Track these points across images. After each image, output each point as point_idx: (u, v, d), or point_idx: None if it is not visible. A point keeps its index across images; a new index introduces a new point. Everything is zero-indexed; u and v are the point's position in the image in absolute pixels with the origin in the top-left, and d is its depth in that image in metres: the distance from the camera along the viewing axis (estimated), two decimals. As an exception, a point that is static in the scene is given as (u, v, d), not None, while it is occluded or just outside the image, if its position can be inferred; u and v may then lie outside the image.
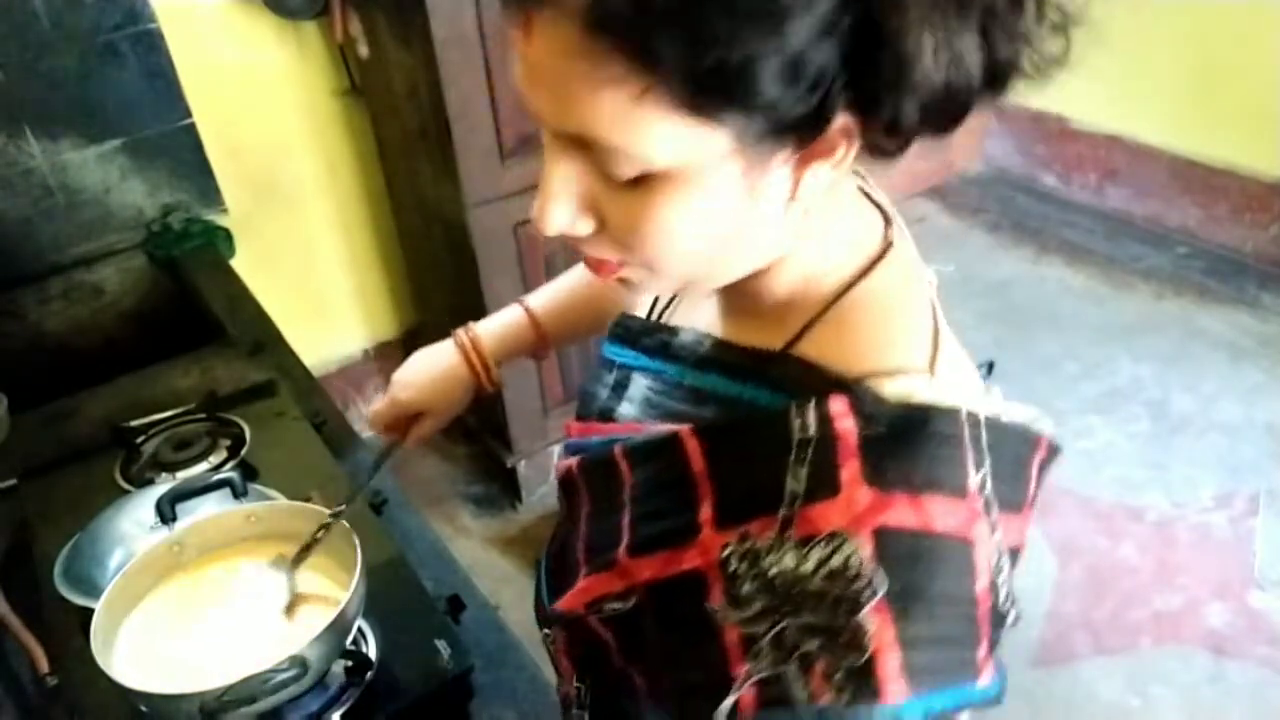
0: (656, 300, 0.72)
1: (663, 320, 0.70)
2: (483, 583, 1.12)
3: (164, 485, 1.11)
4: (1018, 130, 3.48)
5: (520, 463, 2.28)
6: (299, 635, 0.82)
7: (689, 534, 0.54)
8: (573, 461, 0.67)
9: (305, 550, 0.91)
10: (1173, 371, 2.62)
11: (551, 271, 2.07)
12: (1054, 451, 0.58)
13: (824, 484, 0.50)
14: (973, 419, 0.52)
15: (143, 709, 0.82)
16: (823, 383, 0.53)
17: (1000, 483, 0.53)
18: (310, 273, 2.30)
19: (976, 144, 3.59)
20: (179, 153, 1.94)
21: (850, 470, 0.50)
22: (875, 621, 0.48)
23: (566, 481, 0.69)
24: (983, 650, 0.52)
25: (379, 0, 1.87)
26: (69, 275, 1.83)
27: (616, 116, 0.45)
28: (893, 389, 0.51)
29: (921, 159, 3.81)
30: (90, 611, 0.85)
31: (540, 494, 2.37)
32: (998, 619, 0.53)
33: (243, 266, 1.88)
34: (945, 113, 0.49)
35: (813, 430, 0.51)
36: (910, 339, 0.56)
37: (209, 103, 1.96)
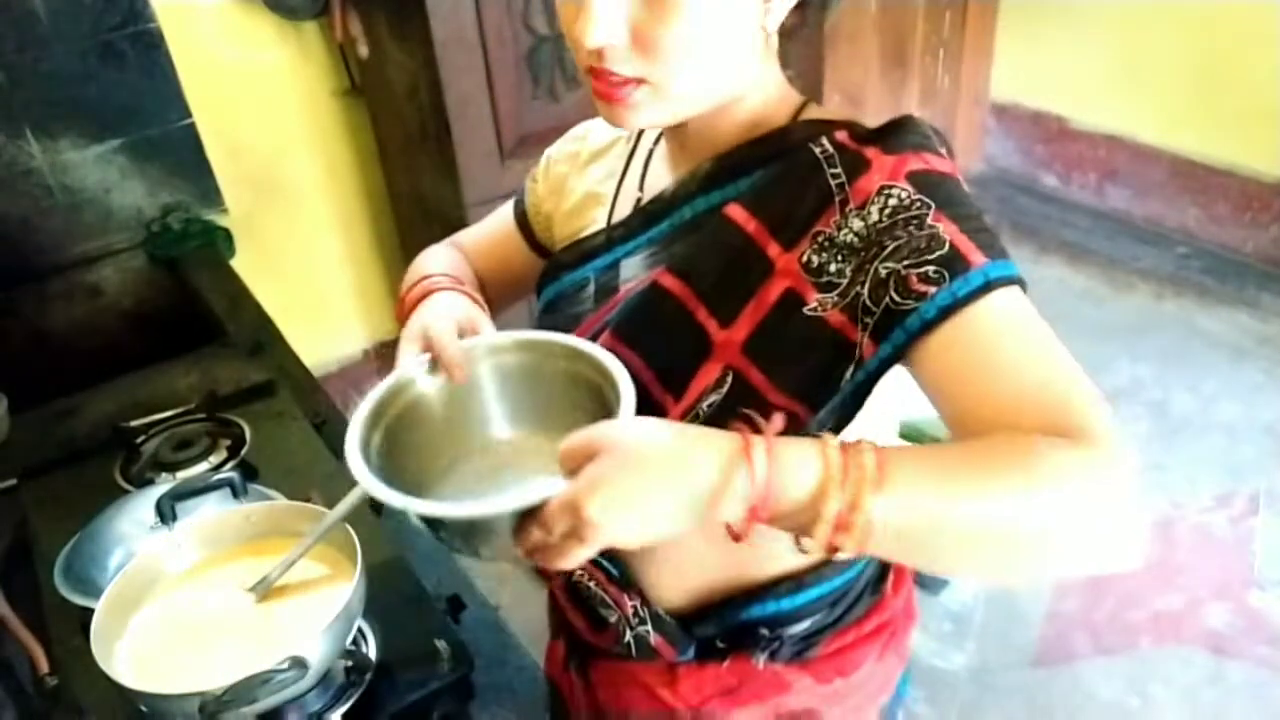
0: (612, 215, 0.82)
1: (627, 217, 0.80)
2: (483, 583, 1.12)
3: (164, 485, 1.11)
4: (1018, 130, 3.48)
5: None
6: (299, 635, 0.82)
7: (767, 272, 0.68)
8: (604, 337, 0.75)
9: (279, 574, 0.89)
10: (1173, 371, 2.62)
11: (551, 271, 2.08)
12: None
13: (857, 166, 0.66)
14: (925, 123, 0.69)
15: (143, 709, 0.82)
16: (825, 129, 0.69)
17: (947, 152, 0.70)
18: (310, 273, 2.30)
19: (976, 144, 3.59)
20: (179, 153, 1.94)
21: (870, 150, 0.66)
22: (940, 223, 0.63)
23: None
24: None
25: (379, 0, 1.87)
26: (69, 275, 1.83)
27: None
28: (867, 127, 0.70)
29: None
30: (90, 611, 0.85)
31: (540, 494, 2.36)
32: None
33: (243, 266, 1.88)
34: None
35: (830, 148, 0.68)
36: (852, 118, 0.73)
37: (209, 103, 1.96)
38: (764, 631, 0.82)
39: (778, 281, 0.68)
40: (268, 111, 2.09)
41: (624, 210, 0.82)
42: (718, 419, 0.67)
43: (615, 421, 0.61)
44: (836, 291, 0.66)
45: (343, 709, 0.88)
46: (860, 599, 0.87)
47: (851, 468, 0.53)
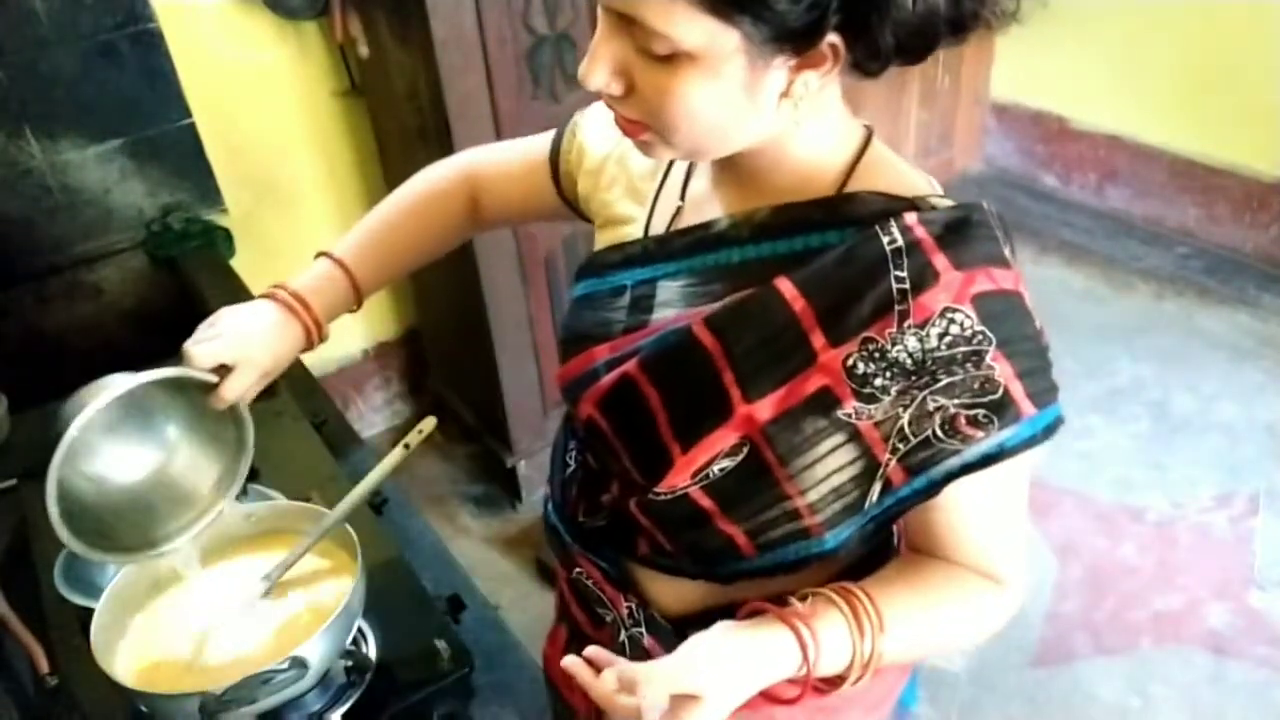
0: (650, 222, 0.81)
1: (669, 230, 0.79)
2: (483, 583, 1.12)
3: (164, 485, 1.10)
4: (1018, 130, 3.48)
5: (520, 463, 2.28)
6: (299, 635, 0.82)
7: (807, 362, 0.66)
8: (628, 366, 0.74)
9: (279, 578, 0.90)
10: (1173, 371, 2.62)
11: (551, 270, 2.08)
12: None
13: (925, 277, 0.64)
14: (990, 210, 0.67)
15: (143, 709, 0.82)
16: (891, 205, 0.67)
17: (1012, 253, 0.69)
18: (310, 273, 2.30)
19: (976, 144, 3.59)
20: (179, 153, 1.93)
21: (940, 261, 0.64)
22: (997, 365, 0.63)
23: (618, 392, 0.75)
24: (1054, 376, 0.67)
25: (379, 0, 1.87)
26: (69, 275, 1.83)
27: (659, 4, 0.58)
28: (935, 203, 0.67)
29: (922, 159, 3.80)
30: (90, 611, 0.85)
31: (540, 494, 2.37)
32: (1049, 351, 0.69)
33: (243, 266, 1.88)
34: (916, 44, 0.61)
35: (900, 240, 0.64)
36: (918, 176, 0.72)
37: (209, 103, 1.95)
38: None
39: (816, 376, 0.66)
40: (268, 111, 2.09)
41: (663, 213, 0.80)
42: (725, 483, 0.71)
43: (694, 645, 0.68)
44: (876, 406, 0.65)
45: (343, 709, 0.89)
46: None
47: (866, 626, 0.68)
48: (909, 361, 0.64)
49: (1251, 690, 1.84)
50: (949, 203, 0.68)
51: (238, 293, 1.75)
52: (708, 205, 0.76)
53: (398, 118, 2.03)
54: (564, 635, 1.00)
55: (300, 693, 0.84)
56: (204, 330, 0.86)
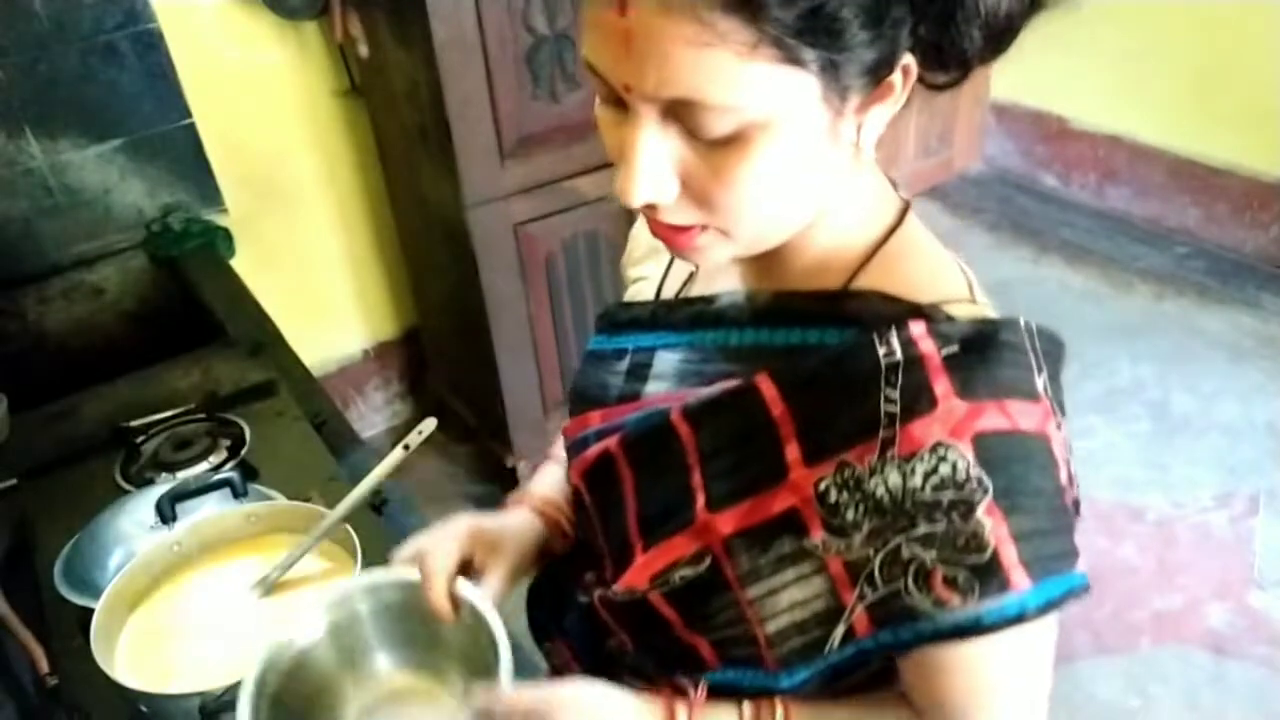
0: (663, 283, 0.75)
1: (679, 296, 0.72)
2: (483, 583, 1.12)
3: (164, 485, 1.11)
4: (1018, 130, 3.48)
5: (520, 463, 2.28)
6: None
7: (776, 477, 0.57)
8: (610, 442, 0.68)
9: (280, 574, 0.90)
10: (1173, 371, 2.62)
11: (552, 271, 2.08)
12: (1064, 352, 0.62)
13: (919, 401, 0.53)
14: (1029, 329, 0.57)
15: (143, 709, 0.82)
16: (896, 311, 0.57)
17: (1052, 385, 0.58)
18: (310, 273, 2.30)
19: (976, 144, 3.59)
20: (179, 153, 1.94)
21: (942, 385, 0.53)
22: (990, 520, 0.52)
23: (599, 467, 0.69)
24: (1073, 539, 0.56)
25: (379, 0, 1.87)
26: (69, 275, 1.83)
27: (723, 72, 0.48)
28: (957, 310, 0.57)
29: (922, 159, 3.80)
30: (90, 611, 0.85)
31: (540, 494, 2.36)
32: (1076, 507, 0.58)
33: (243, 266, 1.88)
34: (1003, 34, 0.54)
35: (899, 354, 0.54)
36: (949, 272, 0.61)
37: (209, 103, 1.96)
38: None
39: (785, 495, 0.57)
40: (268, 111, 2.09)
41: (677, 275, 0.74)
42: (686, 595, 0.62)
43: (565, 686, 0.62)
44: (845, 542, 0.55)
45: (343, 709, 0.88)
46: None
47: None
48: (886, 499, 0.54)
49: (1251, 690, 1.84)
50: (979, 312, 0.58)
51: (238, 293, 1.75)
52: (722, 275, 0.69)
53: (398, 118, 2.03)
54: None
55: (300, 693, 0.84)
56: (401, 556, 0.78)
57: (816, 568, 0.57)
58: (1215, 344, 2.71)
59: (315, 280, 2.32)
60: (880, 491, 0.54)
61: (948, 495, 0.53)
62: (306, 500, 1.07)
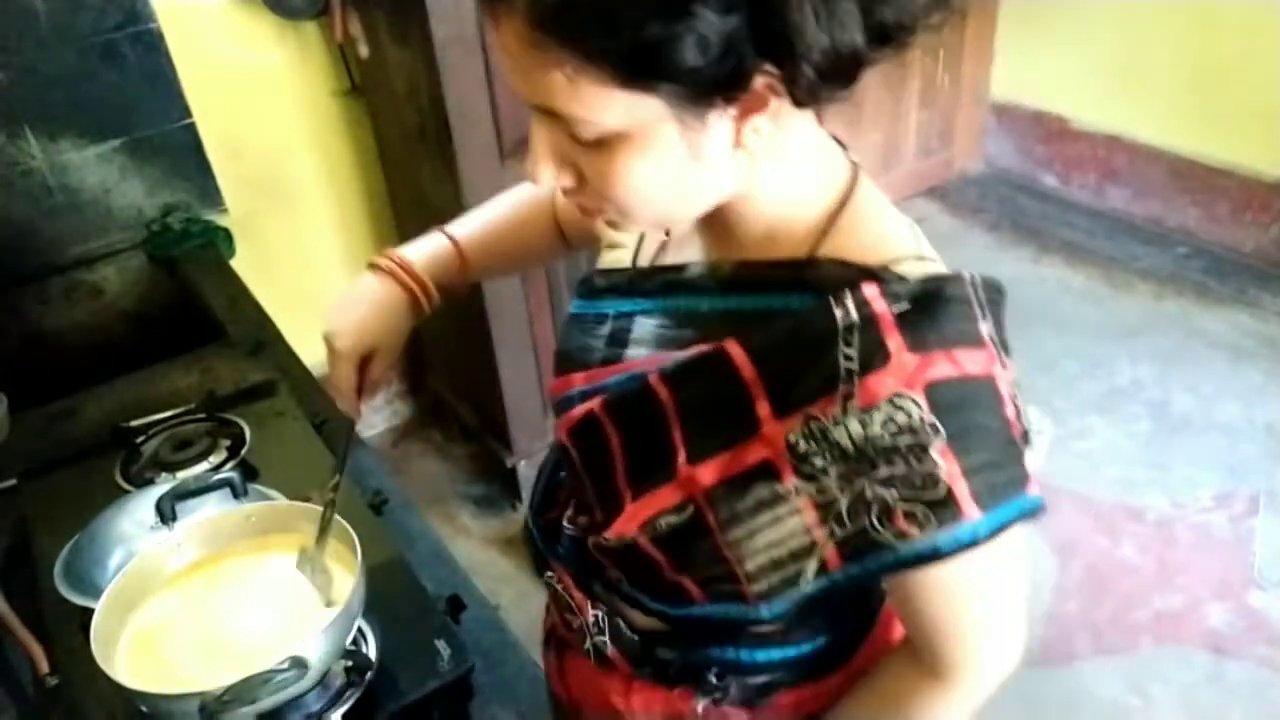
0: (639, 250, 0.80)
1: (652, 264, 0.78)
2: (483, 583, 1.12)
3: (164, 485, 1.11)
4: (1018, 130, 3.48)
5: (520, 463, 2.28)
6: (299, 635, 0.82)
7: (750, 432, 0.63)
8: (594, 403, 0.73)
9: (320, 542, 0.91)
10: (1173, 371, 2.62)
11: (551, 271, 2.08)
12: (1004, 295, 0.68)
13: (875, 357, 0.59)
14: (972, 281, 0.63)
15: (143, 709, 0.82)
16: (851, 275, 0.62)
17: (996, 329, 0.64)
18: (310, 273, 2.30)
19: (976, 144, 3.59)
20: (179, 153, 1.94)
21: (894, 341, 0.59)
22: (943, 461, 0.58)
23: (584, 426, 0.74)
24: (1024, 466, 0.63)
25: (379, 0, 1.87)
26: (69, 275, 1.83)
27: (564, 90, 0.55)
28: (906, 270, 0.63)
29: (922, 159, 3.80)
30: (90, 611, 0.85)
31: (540, 494, 2.37)
32: (1024, 438, 0.63)
33: (243, 266, 1.88)
34: (839, 71, 0.56)
35: (854, 315, 0.60)
36: (900, 233, 0.67)
37: (209, 103, 1.96)
38: (711, 677, 0.80)
39: (759, 447, 0.63)
40: (268, 111, 2.09)
41: (651, 243, 0.79)
42: (672, 541, 0.68)
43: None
44: (815, 486, 0.62)
45: (343, 709, 0.88)
46: (825, 664, 0.82)
47: None
48: (850, 446, 0.60)
49: (1251, 690, 1.84)
50: (927, 270, 0.64)
51: (238, 293, 1.75)
52: (689, 245, 0.74)
53: (398, 118, 2.03)
54: (548, 628, 1.00)
55: (300, 693, 0.84)
56: (330, 325, 0.90)
57: (790, 510, 0.63)
58: (1215, 344, 2.71)
59: (315, 280, 2.32)
60: (844, 440, 0.60)
61: (905, 440, 0.59)
62: (306, 500, 1.07)
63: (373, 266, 0.94)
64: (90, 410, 1.41)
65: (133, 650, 0.86)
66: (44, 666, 0.98)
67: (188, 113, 1.92)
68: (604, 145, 0.58)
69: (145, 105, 1.87)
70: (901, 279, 0.62)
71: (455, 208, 1.90)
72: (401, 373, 2.58)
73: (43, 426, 1.39)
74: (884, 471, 0.59)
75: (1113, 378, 2.61)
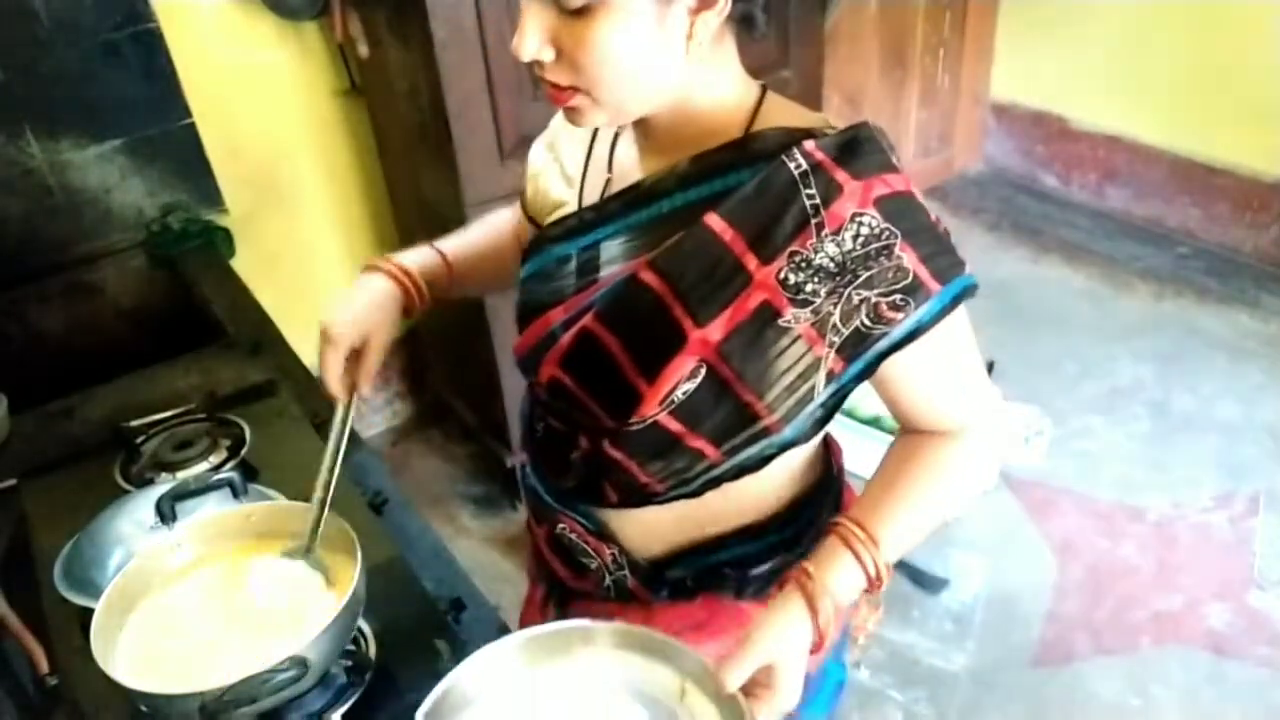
0: (582, 195, 0.88)
1: (603, 198, 0.86)
2: (483, 583, 1.12)
3: (164, 485, 1.11)
4: (1018, 130, 3.48)
5: (520, 463, 2.28)
6: (299, 635, 0.82)
7: (745, 283, 0.75)
8: (584, 321, 0.82)
9: (312, 536, 0.91)
10: (1173, 371, 2.62)
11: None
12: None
13: (832, 190, 0.73)
14: (876, 128, 0.76)
15: (143, 709, 0.82)
16: (792, 138, 0.75)
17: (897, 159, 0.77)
18: (310, 273, 2.30)
19: (976, 144, 3.59)
20: (179, 153, 1.94)
21: (840, 175, 0.73)
22: (905, 254, 0.73)
23: (579, 347, 0.82)
24: (957, 253, 0.77)
25: (379, 0, 1.87)
26: (69, 275, 1.83)
27: None
28: (828, 129, 0.77)
29: (921, 159, 3.79)
30: (90, 611, 0.85)
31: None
32: (947, 234, 0.78)
33: (243, 266, 1.88)
34: None
35: (804, 164, 0.74)
36: (811, 114, 0.81)
37: (209, 103, 1.96)
38: (729, 571, 0.92)
39: (755, 293, 0.75)
40: (268, 111, 2.09)
41: (593, 188, 0.88)
42: (689, 404, 0.79)
43: (762, 638, 0.75)
44: (810, 309, 0.74)
45: (343, 709, 0.88)
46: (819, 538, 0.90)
47: (864, 555, 0.79)
48: (832, 265, 0.73)
49: (1251, 690, 1.84)
50: (840, 128, 0.77)
51: (238, 293, 1.75)
52: (633, 171, 0.84)
53: (398, 118, 2.03)
54: (541, 593, 1.09)
55: (300, 693, 0.84)
56: (327, 321, 0.93)
57: (793, 338, 0.75)
58: (1215, 344, 2.71)
59: (315, 280, 2.32)
60: (826, 261, 0.73)
61: (873, 246, 0.73)
62: (306, 500, 1.07)
63: (368, 268, 0.99)
64: (90, 410, 1.41)
65: (133, 650, 0.86)
66: (44, 666, 0.98)
67: (188, 113, 1.92)
68: (586, 13, 0.69)
69: (145, 105, 1.86)
70: (825, 134, 0.75)
71: (455, 208, 1.90)
72: (401, 373, 2.58)
73: (43, 426, 1.39)
74: (863, 275, 0.73)
75: (1113, 378, 2.61)
